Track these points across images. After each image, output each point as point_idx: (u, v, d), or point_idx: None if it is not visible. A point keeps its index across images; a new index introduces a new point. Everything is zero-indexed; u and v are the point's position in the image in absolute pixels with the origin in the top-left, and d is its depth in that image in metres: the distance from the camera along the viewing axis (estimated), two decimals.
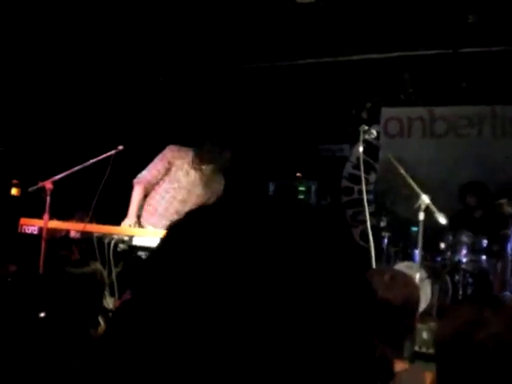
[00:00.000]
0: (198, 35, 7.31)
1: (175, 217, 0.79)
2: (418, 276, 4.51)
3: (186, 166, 5.29)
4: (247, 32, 7.20)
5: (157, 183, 5.31)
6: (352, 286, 0.69)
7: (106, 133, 6.95)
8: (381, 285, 2.31)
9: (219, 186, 5.41)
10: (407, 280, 2.50)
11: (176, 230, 0.71)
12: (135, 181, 5.25)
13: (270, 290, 0.63)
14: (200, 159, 5.24)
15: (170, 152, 5.32)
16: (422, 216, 4.50)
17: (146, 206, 5.34)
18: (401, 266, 5.77)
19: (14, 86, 7.36)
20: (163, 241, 0.71)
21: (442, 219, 4.46)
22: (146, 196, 5.31)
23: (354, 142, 8.10)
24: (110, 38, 7.29)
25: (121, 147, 5.15)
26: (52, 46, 7.17)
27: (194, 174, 5.30)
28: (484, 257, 6.25)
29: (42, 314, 2.97)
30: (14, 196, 7.88)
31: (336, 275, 0.67)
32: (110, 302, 4.32)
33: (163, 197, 5.32)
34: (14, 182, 7.92)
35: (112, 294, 4.44)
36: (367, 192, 5.50)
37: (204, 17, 6.84)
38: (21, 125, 7.65)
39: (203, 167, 5.26)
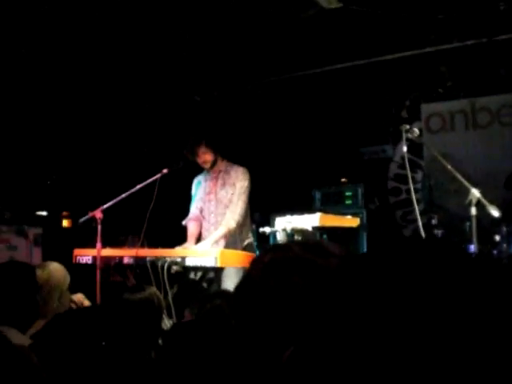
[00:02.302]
0: (230, 50, 7.37)
1: None
2: None
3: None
4: (280, 43, 7.23)
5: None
6: None
7: (150, 157, 7.03)
8: None
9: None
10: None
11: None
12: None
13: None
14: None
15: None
16: (473, 211, 4.43)
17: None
18: None
19: (59, 120, 7.51)
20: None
21: (495, 212, 4.38)
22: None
23: (396, 142, 8.04)
24: (141, 65, 7.39)
25: (165, 170, 5.21)
26: (90, 66, 7.29)
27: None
28: None
29: (104, 343, 3.01)
30: (65, 228, 8.02)
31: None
32: (167, 324, 4.35)
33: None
34: (65, 213, 8.06)
35: (169, 316, 4.47)
36: (415, 191, 5.42)
37: (232, 27, 6.90)
38: (65, 156, 7.79)
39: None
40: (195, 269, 4.65)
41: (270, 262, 1.47)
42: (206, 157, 5.34)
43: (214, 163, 5.40)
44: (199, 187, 5.61)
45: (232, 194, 5.33)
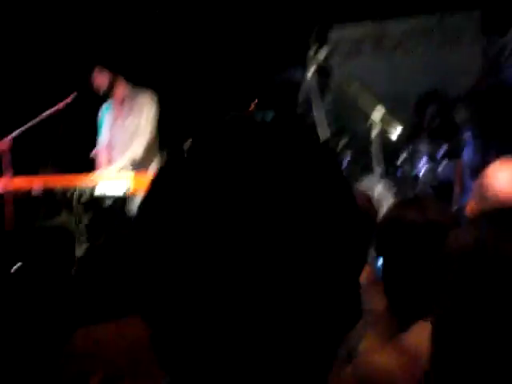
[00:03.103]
0: None
1: None
2: (379, 188, 4.59)
3: None
4: None
5: None
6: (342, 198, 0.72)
7: (59, 81, 6.82)
8: None
9: None
10: (364, 197, 2.64)
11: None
12: None
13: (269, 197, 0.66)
14: None
15: None
16: (377, 127, 4.53)
17: None
18: (364, 182, 5.87)
19: None
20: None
21: (394, 135, 4.51)
22: None
23: (305, 67, 8.09)
24: None
25: (74, 94, 5.08)
26: None
27: None
28: (443, 163, 6.31)
29: (15, 267, 3.02)
30: None
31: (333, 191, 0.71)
32: (80, 252, 4.38)
33: None
34: None
35: (81, 244, 4.48)
36: (327, 113, 5.51)
37: None
38: None
39: None
40: (106, 197, 4.63)
41: None
42: (101, 79, 5.13)
43: (111, 87, 5.21)
44: (104, 117, 5.45)
45: (139, 120, 5.24)
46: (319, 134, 4.89)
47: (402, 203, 2.08)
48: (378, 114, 4.56)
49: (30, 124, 4.94)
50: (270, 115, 7.53)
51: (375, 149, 4.72)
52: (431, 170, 6.33)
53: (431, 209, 1.87)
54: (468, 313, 1.18)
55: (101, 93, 5.19)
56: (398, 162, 6.45)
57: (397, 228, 1.86)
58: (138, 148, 5.06)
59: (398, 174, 6.48)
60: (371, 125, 4.59)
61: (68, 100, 5.04)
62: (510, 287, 1.15)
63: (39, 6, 7.43)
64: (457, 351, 1.19)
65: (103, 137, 5.42)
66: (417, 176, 6.31)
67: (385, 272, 1.94)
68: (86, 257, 3.46)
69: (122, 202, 4.73)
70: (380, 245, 1.95)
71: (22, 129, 4.90)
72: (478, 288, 1.17)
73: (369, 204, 2.58)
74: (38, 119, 4.97)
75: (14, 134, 4.86)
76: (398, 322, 1.89)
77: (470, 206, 2.57)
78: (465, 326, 1.19)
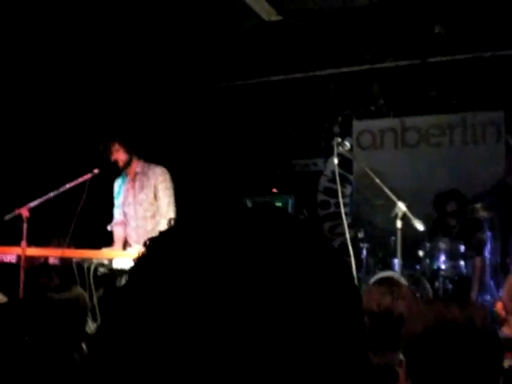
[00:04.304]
0: (168, 56, 7.34)
1: None
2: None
3: None
4: (219, 52, 7.25)
5: None
6: (343, 289, 0.68)
7: (81, 157, 6.91)
8: (384, 294, 2.36)
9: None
10: (407, 290, 2.55)
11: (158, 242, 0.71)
12: None
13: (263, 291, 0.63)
14: None
15: None
16: (399, 224, 4.53)
17: None
18: (381, 276, 5.79)
19: None
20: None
21: (420, 225, 4.50)
22: None
23: (327, 156, 8.15)
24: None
25: (96, 170, 5.13)
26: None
27: None
28: (462, 262, 6.30)
29: (27, 338, 2.94)
30: None
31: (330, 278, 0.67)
32: (92, 327, 4.28)
33: None
34: None
35: (94, 319, 4.39)
36: (344, 205, 5.52)
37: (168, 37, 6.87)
38: None
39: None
40: (122, 272, 4.59)
41: None
42: (118, 155, 5.21)
43: (127, 163, 5.28)
44: (119, 191, 5.50)
45: (153, 197, 5.24)
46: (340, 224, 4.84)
47: (441, 302, 1.96)
48: (401, 207, 4.52)
49: (49, 195, 4.94)
50: (290, 202, 7.56)
51: (396, 242, 4.66)
52: (452, 266, 6.27)
53: (473, 308, 1.77)
54: None
55: (119, 167, 5.26)
56: (418, 257, 6.41)
57: (439, 327, 1.76)
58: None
59: (417, 268, 6.42)
60: (394, 217, 4.55)
61: (89, 175, 5.07)
62: None
63: (65, 80, 7.58)
64: None
65: (118, 210, 5.47)
66: (436, 271, 6.24)
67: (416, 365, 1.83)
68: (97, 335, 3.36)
69: None
70: (415, 342, 1.83)
71: (41, 199, 4.90)
72: None
73: (411, 298, 2.49)
74: (57, 191, 4.97)
75: (33, 203, 4.85)
76: None
77: (501, 305, 2.50)
78: None
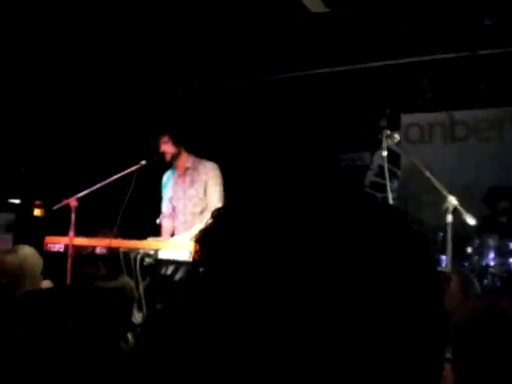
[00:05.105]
0: (214, 48, 7.35)
1: None
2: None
3: None
4: (264, 43, 7.22)
5: None
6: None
7: (128, 148, 6.97)
8: None
9: None
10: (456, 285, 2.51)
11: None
12: None
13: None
14: None
15: None
16: (449, 218, 4.45)
17: None
18: None
19: (30, 105, 7.42)
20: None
21: (471, 220, 4.41)
22: None
23: (373, 150, 8.06)
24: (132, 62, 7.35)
25: (143, 162, 5.16)
26: (70, 57, 7.22)
27: None
28: (511, 259, 6.18)
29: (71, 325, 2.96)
30: (37, 217, 7.91)
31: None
32: (137, 317, 4.30)
33: None
34: (37, 202, 7.96)
35: (140, 309, 4.42)
36: (391, 200, 5.44)
37: (216, 28, 6.87)
38: (40, 144, 7.70)
39: None
40: (168, 262, 4.61)
41: None
42: (166, 147, 5.24)
43: (175, 156, 5.30)
44: (168, 184, 5.53)
45: (203, 192, 5.25)
46: None
47: (490, 295, 1.92)
48: (451, 201, 4.43)
49: (97, 186, 4.99)
50: None
51: (446, 237, 4.57)
52: (500, 264, 6.15)
53: None
54: None
55: (166, 159, 5.28)
56: (466, 253, 6.30)
57: (488, 319, 1.71)
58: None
59: (466, 264, 6.32)
60: (444, 212, 4.46)
61: (136, 167, 5.10)
62: None
63: (114, 73, 7.65)
64: None
65: (166, 204, 5.49)
66: (485, 268, 6.13)
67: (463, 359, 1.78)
68: (145, 325, 3.38)
69: (183, 270, 4.69)
70: (462, 333, 1.79)
71: (90, 189, 4.95)
72: None
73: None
74: (105, 182, 5.02)
75: (81, 194, 4.90)
76: None
77: None
78: None
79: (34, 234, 5.86)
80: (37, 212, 7.94)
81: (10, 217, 7.41)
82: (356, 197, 0.68)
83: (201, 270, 0.66)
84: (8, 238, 7.15)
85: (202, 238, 0.67)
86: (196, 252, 0.67)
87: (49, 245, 5.03)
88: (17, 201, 7.83)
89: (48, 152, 7.79)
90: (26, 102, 7.38)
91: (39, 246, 4.87)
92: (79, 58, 7.16)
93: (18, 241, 6.64)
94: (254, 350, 0.59)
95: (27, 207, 7.88)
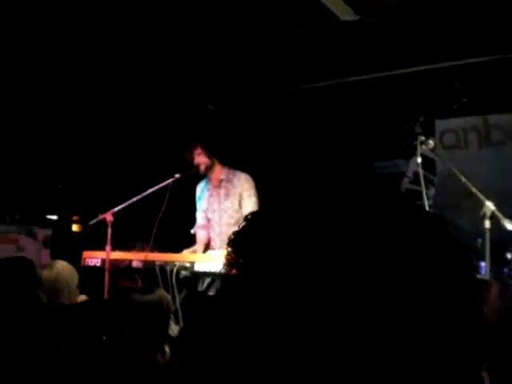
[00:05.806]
0: (244, 59, 7.37)
1: None
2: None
3: None
4: (295, 53, 7.22)
5: None
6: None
7: (162, 162, 7.02)
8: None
9: None
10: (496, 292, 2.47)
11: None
12: None
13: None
14: None
15: None
16: (487, 224, 4.38)
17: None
18: None
19: (68, 122, 7.53)
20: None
21: (509, 225, 4.34)
22: None
23: (408, 158, 7.99)
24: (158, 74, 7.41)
25: (177, 175, 5.20)
26: (105, 71, 7.31)
27: None
28: None
29: (104, 338, 2.99)
30: (75, 232, 8.01)
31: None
32: (175, 330, 4.31)
33: None
34: (75, 218, 8.06)
35: (177, 322, 4.43)
36: (428, 207, 5.38)
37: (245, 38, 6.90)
38: (77, 161, 7.80)
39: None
40: (204, 274, 4.62)
41: None
42: (200, 159, 5.26)
43: (209, 168, 5.32)
44: (203, 197, 5.55)
45: (238, 204, 5.26)
46: None
47: None
48: (489, 206, 4.37)
49: (132, 200, 5.04)
50: None
51: (484, 243, 4.51)
52: None
53: None
54: None
55: (201, 172, 5.31)
56: (506, 259, 6.19)
57: None
58: None
59: (505, 270, 6.20)
60: (482, 217, 4.40)
61: (170, 180, 5.15)
62: None
63: (149, 86, 7.72)
64: None
65: (201, 215, 5.51)
66: None
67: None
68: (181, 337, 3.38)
69: (219, 282, 4.70)
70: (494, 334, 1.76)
71: (125, 204, 5.00)
72: None
73: None
74: (140, 196, 5.07)
75: (117, 208, 4.96)
76: None
77: None
78: None
79: (71, 249, 5.93)
80: (74, 227, 8.04)
81: (47, 232, 7.52)
82: (394, 204, 0.67)
83: (232, 272, 0.66)
84: (46, 254, 7.25)
85: (235, 241, 0.67)
86: (228, 254, 0.67)
87: (86, 259, 5.09)
88: (54, 217, 7.95)
89: (84, 168, 7.89)
90: (64, 119, 7.49)
91: (77, 261, 4.94)
92: (116, 71, 7.24)
93: (55, 256, 6.72)
94: (297, 362, 0.58)
95: (65, 223, 7.99)
